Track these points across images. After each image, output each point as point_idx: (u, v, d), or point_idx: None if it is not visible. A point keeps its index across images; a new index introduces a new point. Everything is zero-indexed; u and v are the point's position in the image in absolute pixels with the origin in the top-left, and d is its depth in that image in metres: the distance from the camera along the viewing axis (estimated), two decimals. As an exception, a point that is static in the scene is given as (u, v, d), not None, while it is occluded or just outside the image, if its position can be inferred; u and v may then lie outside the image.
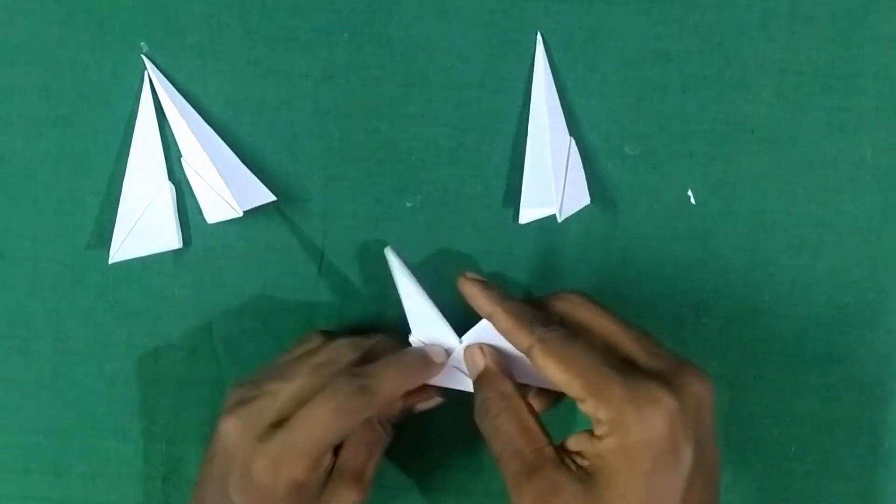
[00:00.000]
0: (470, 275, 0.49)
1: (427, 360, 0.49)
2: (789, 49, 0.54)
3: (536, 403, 0.50)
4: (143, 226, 0.53)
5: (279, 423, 0.45)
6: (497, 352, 0.49)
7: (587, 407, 0.42)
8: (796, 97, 0.54)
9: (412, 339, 0.50)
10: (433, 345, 0.50)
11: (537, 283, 0.55)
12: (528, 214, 0.53)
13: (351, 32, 0.53)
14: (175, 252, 0.54)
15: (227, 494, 0.45)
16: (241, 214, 0.52)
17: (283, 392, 0.46)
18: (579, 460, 0.43)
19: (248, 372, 0.50)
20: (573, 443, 0.44)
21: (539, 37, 0.53)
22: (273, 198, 0.53)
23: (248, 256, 0.54)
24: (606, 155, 0.54)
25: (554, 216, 0.53)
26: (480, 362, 0.48)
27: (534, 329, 0.45)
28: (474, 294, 0.48)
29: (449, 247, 0.54)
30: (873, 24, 0.54)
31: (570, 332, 0.45)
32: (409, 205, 0.54)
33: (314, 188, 0.54)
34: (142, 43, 0.53)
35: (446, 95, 0.54)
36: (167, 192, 0.53)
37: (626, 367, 0.44)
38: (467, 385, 0.50)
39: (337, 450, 0.47)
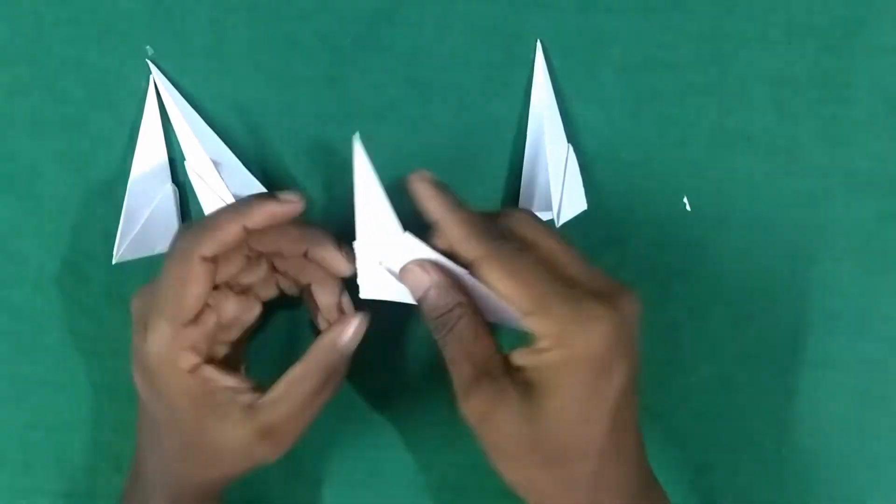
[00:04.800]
0: (424, 173, 0.46)
1: (269, 197, 0.47)
2: (785, 59, 0.54)
3: None
4: (147, 227, 0.54)
5: (149, 295, 0.47)
6: (438, 265, 0.46)
7: (532, 322, 0.43)
8: (792, 106, 0.55)
9: (356, 244, 0.47)
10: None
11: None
12: (525, 219, 0.54)
13: (354, 38, 0.54)
14: (178, 253, 0.55)
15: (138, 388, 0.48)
16: (243, 218, 0.53)
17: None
18: (521, 373, 0.44)
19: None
20: (516, 357, 0.45)
21: (539, 44, 0.54)
22: (275, 201, 0.54)
23: (249, 258, 0.55)
24: (604, 161, 0.55)
25: (551, 220, 0.54)
26: (426, 279, 0.46)
27: (485, 241, 0.44)
28: (427, 196, 0.45)
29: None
30: (868, 35, 0.54)
31: (520, 245, 0.45)
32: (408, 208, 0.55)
33: (316, 191, 0.55)
34: (147, 47, 0.54)
35: (446, 100, 0.55)
36: (171, 194, 0.54)
37: (571, 283, 0.44)
38: (405, 296, 0.48)
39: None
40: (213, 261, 0.46)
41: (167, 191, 0.54)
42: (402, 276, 0.47)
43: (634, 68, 0.54)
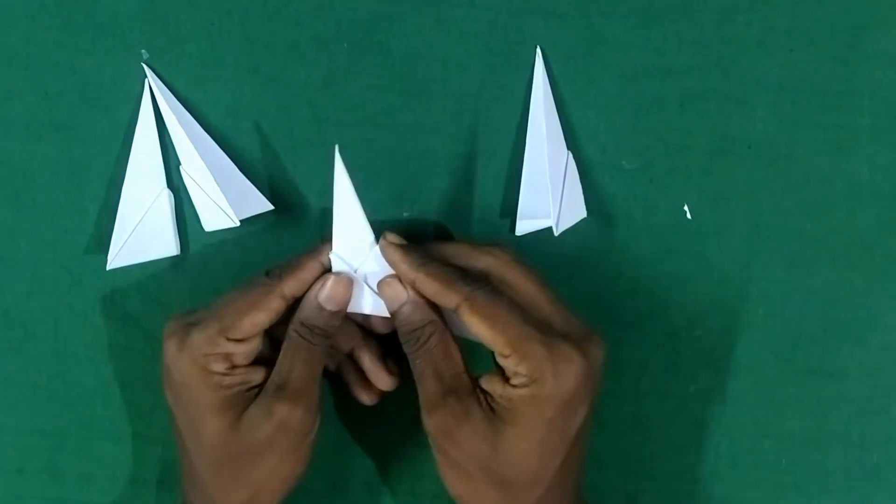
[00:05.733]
0: (391, 238, 0.49)
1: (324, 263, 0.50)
2: (787, 66, 0.54)
3: None
4: (141, 232, 0.53)
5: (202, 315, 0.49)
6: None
7: (509, 362, 0.46)
8: (793, 114, 0.54)
9: (332, 255, 0.49)
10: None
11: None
12: (524, 226, 0.54)
13: (351, 42, 0.54)
14: (173, 258, 0.54)
15: (169, 405, 0.50)
16: (237, 224, 0.52)
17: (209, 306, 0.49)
18: (487, 398, 0.47)
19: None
20: (485, 383, 0.47)
21: (538, 50, 0.53)
22: (270, 206, 0.53)
23: (245, 264, 0.55)
24: (603, 168, 0.55)
25: (550, 228, 0.53)
26: (403, 294, 0.48)
27: (460, 288, 0.46)
28: (396, 260, 0.48)
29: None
30: (870, 43, 0.54)
31: (495, 289, 0.47)
32: (405, 214, 0.55)
33: (312, 196, 0.55)
34: (142, 50, 0.53)
35: (445, 106, 0.54)
36: (165, 198, 0.54)
37: (544, 326, 0.46)
38: (381, 310, 0.50)
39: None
40: (288, 304, 0.48)
41: (162, 195, 0.54)
42: (379, 287, 0.49)
43: (634, 75, 0.54)
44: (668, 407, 0.56)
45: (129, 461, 0.56)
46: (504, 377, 0.46)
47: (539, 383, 0.45)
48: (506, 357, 0.46)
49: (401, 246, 0.48)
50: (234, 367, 0.48)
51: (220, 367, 0.47)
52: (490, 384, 0.47)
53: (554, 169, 0.53)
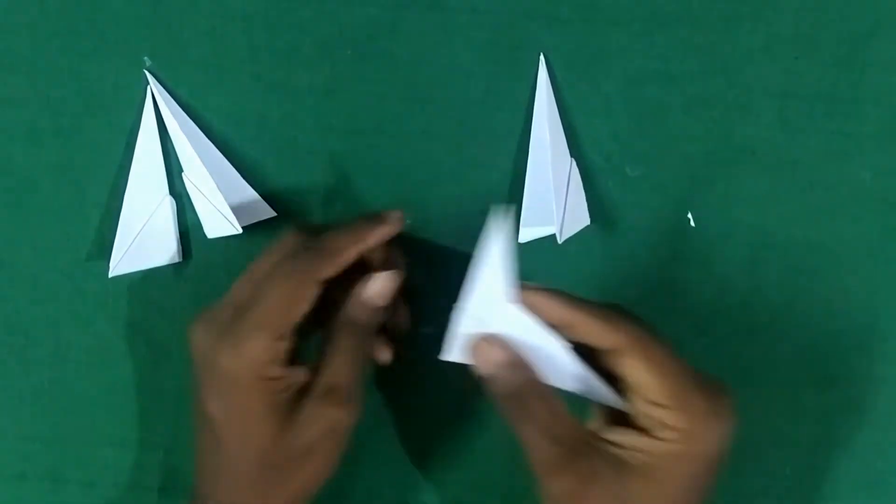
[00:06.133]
0: (532, 286, 0.45)
1: (378, 218, 0.49)
2: (791, 73, 0.54)
3: None
4: (144, 239, 0.53)
5: (239, 313, 0.46)
6: (506, 342, 0.46)
7: (664, 413, 0.43)
8: (797, 120, 0.54)
9: (456, 307, 0.46)
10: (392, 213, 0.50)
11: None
12: (527, 234, 0.53)
13: (354, 48, 0.53)
14: (175, 265, 0.54)
15: (202, 405, 0.46)
16: (240, 231, 0.52)
17: (236, 283, 0.47)
18: (613, 449, 0.44)
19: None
20: (614, 434, 0.44)
21: (542, 57, 0.53)
22: (273, 213, 0.53)
23: (247, 270, 0.55)
24: (607, 175, 0.54)
25: (553, 235, 0.53)
26: (499, 355, 0.45)
27: (625, 327, 0.44)
28: (547, 307, 0.45)
29: (448, 264, 0.54)
30: (875, 49, 0.54)
31: (656, 329, 0.44)
32: (409, 221, 0.54)
33: (315, 203, 0.54)
34: (145, 58, 0.53)
35: (448, 113, 0.54)
36: (168, 205, 0.54)
37: (700, 377, 0.44)
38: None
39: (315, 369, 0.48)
40: (325, 284, 0.46)
41: (164, 202, 0.54)
42: (472, 352, 0.46)
43: (638, 81, 0.54)
44: (672, 415, 0.56)
45: (130, 468, 0.56)
46: (641, 430, 0.43)
47: (694, 440, 0.42)
48: (662, 408, 0.43)
49: (544, 290, 0.45)
50: (282, 369, 0.46)
51: (275, 371, 0.45)
52: (619, 436, 0.44)
53: (557, 176, 0.53)
